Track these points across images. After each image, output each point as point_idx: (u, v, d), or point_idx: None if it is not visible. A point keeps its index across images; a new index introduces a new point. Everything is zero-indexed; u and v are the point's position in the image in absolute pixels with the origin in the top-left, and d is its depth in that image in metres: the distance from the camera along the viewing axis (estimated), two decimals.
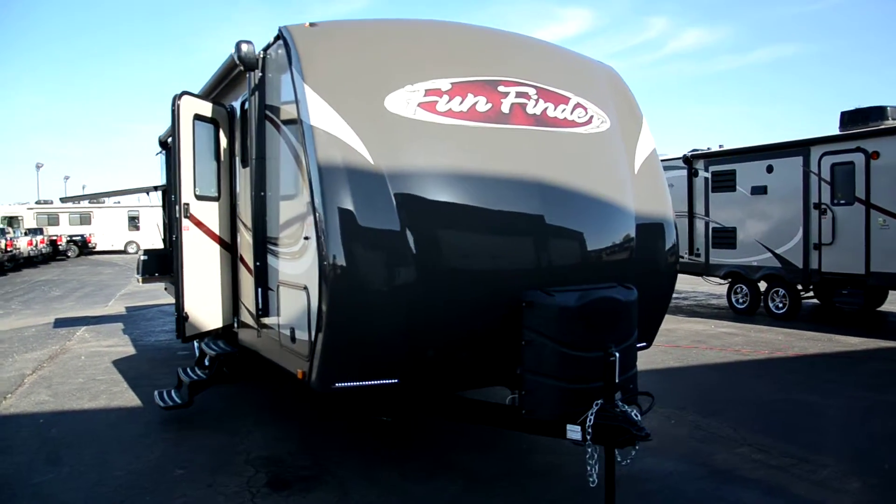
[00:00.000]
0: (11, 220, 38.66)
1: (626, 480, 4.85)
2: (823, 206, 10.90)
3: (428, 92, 4.56)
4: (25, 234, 33.08)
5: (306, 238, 4.34)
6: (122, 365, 9.18)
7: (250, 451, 5.60)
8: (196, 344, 7.50)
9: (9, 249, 27.11)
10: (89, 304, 16.20)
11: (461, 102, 4.61)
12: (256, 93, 5.20)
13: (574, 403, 4.05)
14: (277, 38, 4.80)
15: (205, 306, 5.77)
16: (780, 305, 11.89)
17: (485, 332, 4.47)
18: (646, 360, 8.76)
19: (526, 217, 4.56)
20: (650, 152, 5.48)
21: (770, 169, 11.82)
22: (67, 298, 17.64)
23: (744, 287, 12.66)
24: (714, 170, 12.99)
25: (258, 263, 5.29)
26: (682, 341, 10.12)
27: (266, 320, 5.30)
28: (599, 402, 4.00)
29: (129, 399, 7.34)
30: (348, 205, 4.14)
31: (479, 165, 4.53)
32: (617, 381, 3.99)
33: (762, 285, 12.35)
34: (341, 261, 4.07)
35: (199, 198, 5.76)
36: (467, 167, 4.50)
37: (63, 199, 35.48)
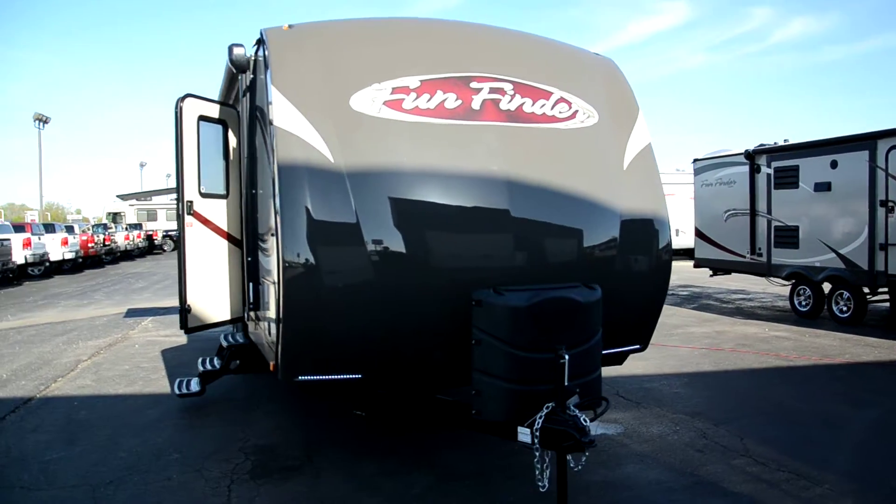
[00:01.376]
0: (116, 216, 41.65)
1: (599, 487, 4.73)
2: (891, 204, 10.06)
3: (395, 90, 4.58)
4: (126, 229, 35.56)
5: (272, 234, 4.48)
6: (169, 354, 9.72)
7: (248, 440, 5.81)
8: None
9: (107, 244, 29.20)
10: (165, 296, 17.21)
11: (429, 100, 4.60)
12: (248, 94, 5.39)
13: (524, 405, 3.96)
14: (259, 41, 4.96)
15: (208, 299, 6.04)
16: (845, 309, 11.08)
17: (450, 331, 4.44)
18: (679, 362, 8.46)
19: (489, 215, 4.49)
20: (643, 147, 5.26)
21: (834, 164, 11.02)
22: (147, 290, 18.83)
23: (806, 289, 11.88)
24: (776, 166, 12.25)
25: (249, 259, 5.48)
26: (728, 344, 9.64)
27: (258, 314, 5.51)
28: (550, 405, 3.90)
29: (162, 386, 7.78)
30: (304, 202, 4.22)
31: (441, 162, 4.51)
32: (566, 384, 3.87)
33: (826, 287, 11.54)
34: (294, 256, 4.17)
35: (204, 195, 6.02)
36: (429, 164, 4.49)
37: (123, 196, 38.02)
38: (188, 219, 5.85)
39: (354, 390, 4.86)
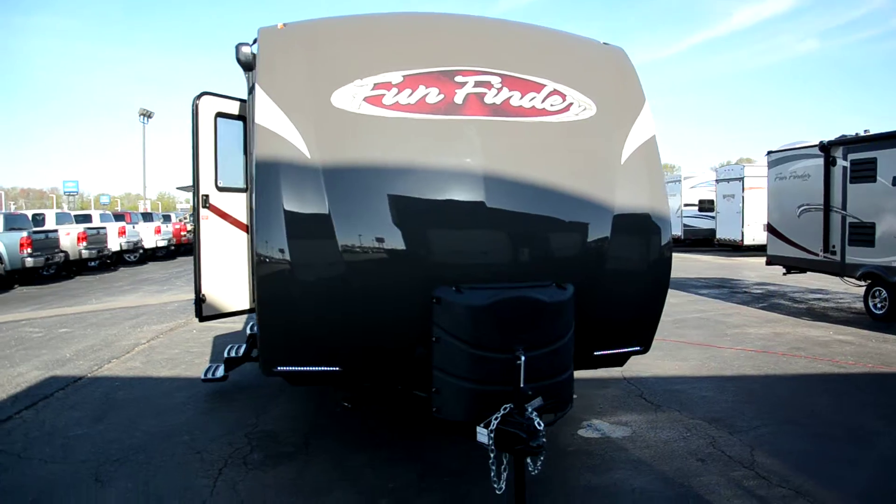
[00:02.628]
0: None
1: (578, 492, 4.59)
2: None
3: (377, 86, 4.59)
4: None
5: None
6: (219, 340, 10.20)
7: (258, 426, 6.03)
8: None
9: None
10: None
11: (410, 95, 4.58)
12: (250, 92, 5.56)
13: (482, 405, 3.91)
14: (255, 40, 5.10)
15: (225, 289, 6.28)
16: None
17: (428, 328, 4.43)
18: (720, 364, 8.07)
19: (463, 210, 4.43)
20: (645, 141, 5.02)
21: None
22: None
23: (882, 290, 10.95)
24: (853, 158, 11.35)
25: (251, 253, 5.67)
26: (781, 347, 9.05)
27: None
28: (508, 406, 3.83)
29: (200, 371, 8.16)
30: (278, 196, 4.32)
31: (416, 158, 4.48)
32: (523, 385, 3.78)
33: None
34: (266, 249, 4.28)
35: (222, 189, 6.26)
36: (403, 159, 4.47)
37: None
38: (203, 212, 6.10)
39: (338, 382, 4.93)
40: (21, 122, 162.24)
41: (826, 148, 11.88)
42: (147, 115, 51.33)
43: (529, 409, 3.80)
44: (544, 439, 3.69)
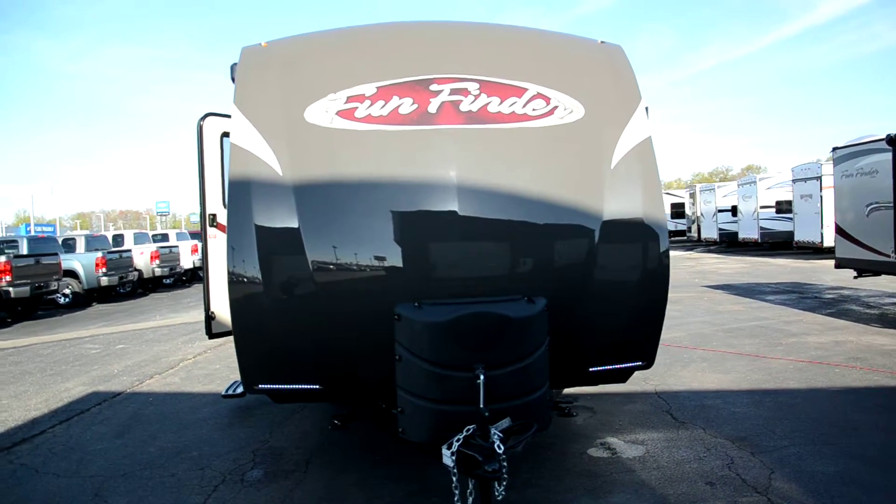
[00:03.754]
0: None
1: None
2: None
3: (350, 99, 4.54)
4: None
5: None
6: None
7: (267, 442, 6.07)
8: None
9: None
10: None
11: (383, 106, 4.50)
12: None
13: (444, 426, 3.74)
14: None
15: None
16: None
17: None
18: (764, 377, 7.57)
19: (435, 224, 4.28)
20: (638, 143, 4.73)
21: None
22: None
23: None
24: None
25: None
26: (838, 357, 8.37)
27: None
28: (471, 427, 3.65)
29: None
30: (249, 214, 4.32)
31: (387, 170, 4.38)
32: (482, 405, 3.60)
33: None
34: (238, 267, 4.28)
35: None
36: (374, 173, 4.38)
37: None
38: (211, 231, 6.22)
39: (321, 400, 4.88)
40: (118, 147, 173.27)
41: (893, 141, 10.97)
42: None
43: (493, 431, 3.61)
44: (503, 464, 3.48)
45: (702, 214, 35.14)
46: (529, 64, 4.82)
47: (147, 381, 8.73)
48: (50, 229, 63.21)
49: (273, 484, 5.06)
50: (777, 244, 27.79)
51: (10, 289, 14.84)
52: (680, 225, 40.41)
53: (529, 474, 5.04)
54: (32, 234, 37.61)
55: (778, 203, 27.85)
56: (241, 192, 4.38)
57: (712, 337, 10.20)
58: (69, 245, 20.91)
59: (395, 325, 3.93)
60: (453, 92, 4.55)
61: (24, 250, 18.35)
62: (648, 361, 4.89)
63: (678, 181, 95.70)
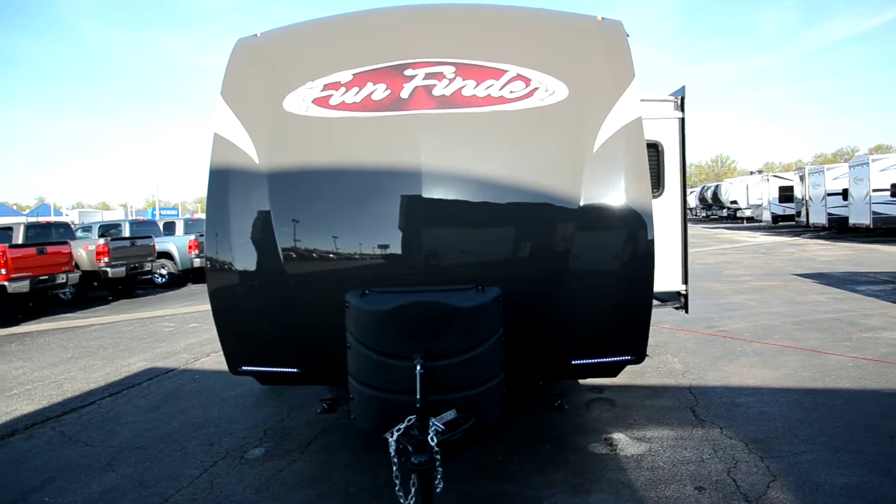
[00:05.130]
0: None
1: None
2: None
3: (326, 87, 4.56)
4: None
5: None
6: None
7: (282, 422, 6.28)
8: None
9: None
10: None
11: (357, 93, 4.49)
12: None
13: (389, 415, 3.72)
14: None
15: None
16: None
17: None
18: (815, 374, 7.05)
19: (398, 211, 4.24)
20: (625, 124, 4.45)
21: None
22: None
23: None
24: None
25: None
26: None
27: None
28: (412, 418, 3.61)
29: None
30: (225, 202, 4.46)
31: (355, 157, 4.38)
32: (419, 395, 3.55)
33: None
34: (213, 252, 4.45)
35: None
36: (343, 160, 4.39)
37: None
38: None
39: (303, 383, 4.97)
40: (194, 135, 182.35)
41: None
42: None
43: (434, 423, 3.55)
44: (436, 456, 3.42)
45: (810, 198, 32.67)
46: (512, 45, 4.65)
47: (202, 360, 9.24)
48: (173, 212, 68.06)
49: (268, 462, 5.24)
50: (891, 230, 25.38)
51: (108, 269, 16.12)
52: (788, 209, 37.78)
53: (517, 467, 4.93)
54: (158, 217, 40.37)
55: (893, 186, 25.38)
56: (219, 181, 4.52)
57: (777, 329, 9.51)
58: (170, 228, 22.40)
59: (346, 313, 3.94)
60: (428, 76, 4.47)
61: (126, 233, 19.85)
62: (638, 356, 4.64)
63: (798, 162, 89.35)
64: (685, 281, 7.35)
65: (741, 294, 12.98)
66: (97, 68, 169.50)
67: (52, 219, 25.58)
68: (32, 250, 13.88)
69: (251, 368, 4.75)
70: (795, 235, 31.09)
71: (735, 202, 43.83)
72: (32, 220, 26.06)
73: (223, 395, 7.29)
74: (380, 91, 4.46)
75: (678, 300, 7.62)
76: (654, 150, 7.19)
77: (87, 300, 16.71)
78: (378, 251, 4.28)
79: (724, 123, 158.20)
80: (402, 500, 3.67)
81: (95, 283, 16.61)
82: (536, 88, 4.47)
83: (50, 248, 14.33)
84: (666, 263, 7.26)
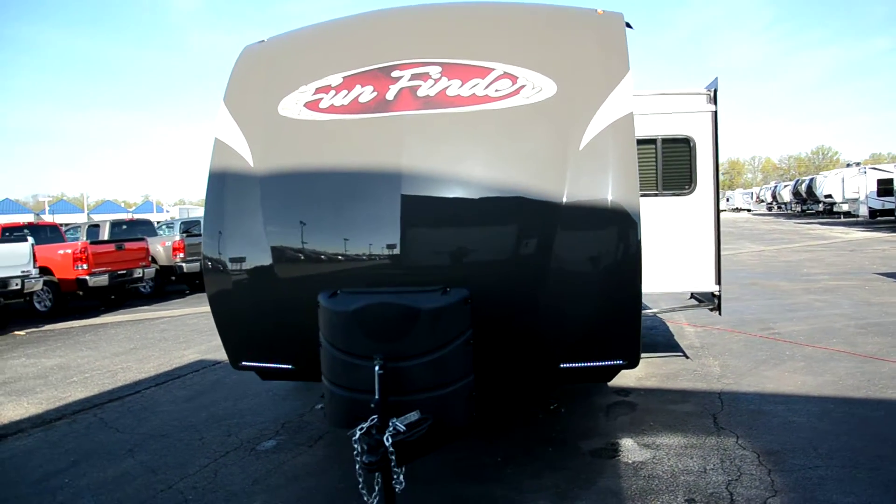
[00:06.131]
0: None
1: None
2: None
3: (318, 90, 4.67)
4: None
5: None
6: None
7: (302, 416, 6.47)
8: None
9: None
10: None
11: (346, 96, 4.57)
12: None
13: (355, 414, 3.77)
14: None
15: None
16: None
17: None
18: (861, 381, 6.64)
19: (376, 213, 4.27)
20: (615, 120, 4.31)
21: None
22: None
23: None
24: None
25: None
26: None
27: None
28: (374, 417, 3.65)
29: None
30: (221, 203, 4.65)
31: (339, 160, 4.45)
32: (378, 395, 3.58)
33: None
34: (209, 251, 4.65)
35: None
36: (328, 162, 4.47)
37: None
38: None
39: (301, 378, 5.10)
40: None
41: None
42: None
43: (394, 424, 3.58)
44: (388, 456, 3.44)
45: None
46: (500, 43, 4.59)
47: None
48: None
49: (275, 455, 5.42)
50: None
51: (183, 264, 17.02)
52: (888, 203, 35.14)
53: (513, 469, 4.88)
54: None
55: None
56: (217, 184, 4.72)
57: (837, 332, 8.90)
58: None
59: (318, 313, 4.02)
60: (414, 77, 4.49)
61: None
62: (630, 361, 4.48)
63: None
64: (718, 281, 7.03)
65: (810, 294, 12.23)
66: (200, 73, 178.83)
67: (135, 216, 27.14)
68: (112, 246, 14.86)
69: (250, 364, 4.92)
70: (893, 231, 28.92)
71: (829, 196, 41.17)
72: (116, 217, 27.57)
73: (257, 388, 7.56)
74: (367, 93, 4.52)
75: (712, 301, 7.31)
76: (686, 145, 6.93)
77: (165, 294, 17.72)
78: (358, 252, 4.34)
79: (828, 113, 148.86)
80: (365, 499, 3.72)
81: (173, 278, 17.56)
82: (523, 86, 4.40)
83: (128, 245, 15.30)
84: (697, 263, 6.99)
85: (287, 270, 4.46)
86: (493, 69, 4.45)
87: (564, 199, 4.17)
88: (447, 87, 4.43)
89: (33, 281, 12.33)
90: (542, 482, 4.64)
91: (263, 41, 5.33)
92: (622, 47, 4.57)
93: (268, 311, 4.57)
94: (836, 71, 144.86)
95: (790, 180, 61.07)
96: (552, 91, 4.38)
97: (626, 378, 7.22)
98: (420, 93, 4.44)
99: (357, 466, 3.69)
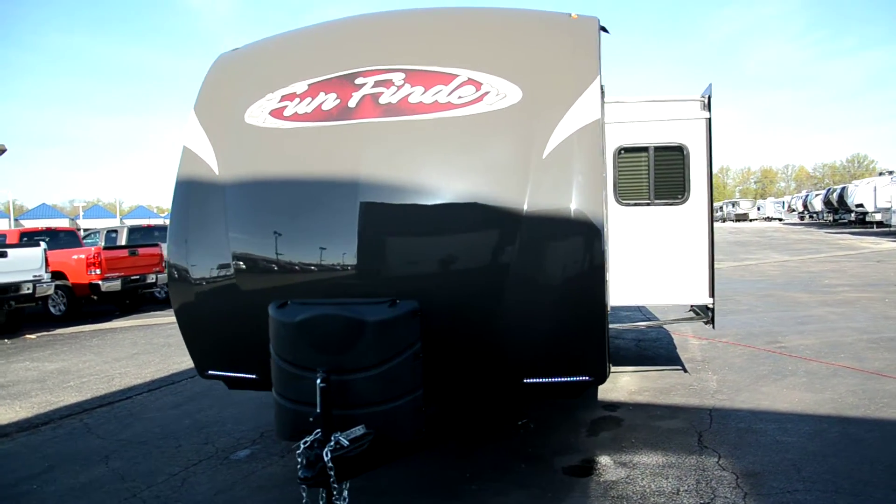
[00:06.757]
0: None
1: None
2: None
3: (283, 98, 4.62)
4: None
5: None
6: None
7: None
8: None
9: None
10: None
11: (310, 103, 4.52)
12: None
13: (302, 426, 3.69)
14: None
15: None
16: None
17: None
18: (860, 402, 6.43)
19: (337, 222, 4.19)
20: (581, 127, 4.18)
21: None
22: None
23: None
24: None
25: None
26: None
27: None
28: (318, 431, 3.57)
29: None
30: (185, 211, 4.64)
31: (298, 168, 4.39)
32: (319, 408, 3.50)
33: None
34: (173, 258, 4.63)
35: None
36: (288, 170, 4.42)
37: None
38: None
39: (262, 388, 5.03)
40: None
41: None
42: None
43: (338, 438, 3.49)
44: (327, 472, 3.36)
45: None
46: (467, 49, 4.51)
47: None
48: None
49: (246, 465, 5.37)
50: None
51: None
52: None
53: (478, 486, 4.74)
54: None
55: None
56: (182, 192, 4.70)
57: (846, 347, 8.58)
58: None
59: (268, 323, 3.96)
60: (377, 84, 4.42)
61: None
62: (597, 377, 4.33)
63: None
64: (712, 294, 6.82)
65: (827, 306, 11.84)
66: None
67: (152, 222, 27.51)
68: (125, 252, 15.06)
69: (216, 373, 4.89)
70: None
71: (861, 205, 40.03)
72: (134, 223, 27.89)
73: (244, 397, 7.51)
74: (330, 101, 4.46)
75: (706, 314, 7.10)
76: (679, 153, 6.77)
77: None
78: (315, 262, 4.27)
79: (864, 120, 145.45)
80: None
81: None
82: (487, 93, 4.30)
83: (142, 250, 15.50)
84: (690, 275, 6.79)
85: (247, 279, 4.41)
86: (458, 75, 4.36)
87: (525, 209, 4.05)
88: (409, 95, 4.34)
89: (45, 285, 12.55)
90: (507, 500, 4.50)
91: (237, 49, 5.32)
92: (592, 52, 4.44)
93: (230, 320, 4.53)
94: (873, 77, 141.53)
95: (823, 189, 59.67)
96: (517, 98, 4.28)
97: (616, 392, 7.05)
98: (382, 100, 4.36)
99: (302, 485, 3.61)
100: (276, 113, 4.58)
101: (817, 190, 61.89)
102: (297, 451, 3.57)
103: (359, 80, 4.45)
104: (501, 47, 4.52)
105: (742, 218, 68.41)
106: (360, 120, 4.35)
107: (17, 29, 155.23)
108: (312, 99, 4.50)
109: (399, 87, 4.37)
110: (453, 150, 4.25)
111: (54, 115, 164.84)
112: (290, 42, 5.14)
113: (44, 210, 77.88)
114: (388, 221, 4.17)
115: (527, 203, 4.06)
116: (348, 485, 3.65)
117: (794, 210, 61.88)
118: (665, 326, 10.40)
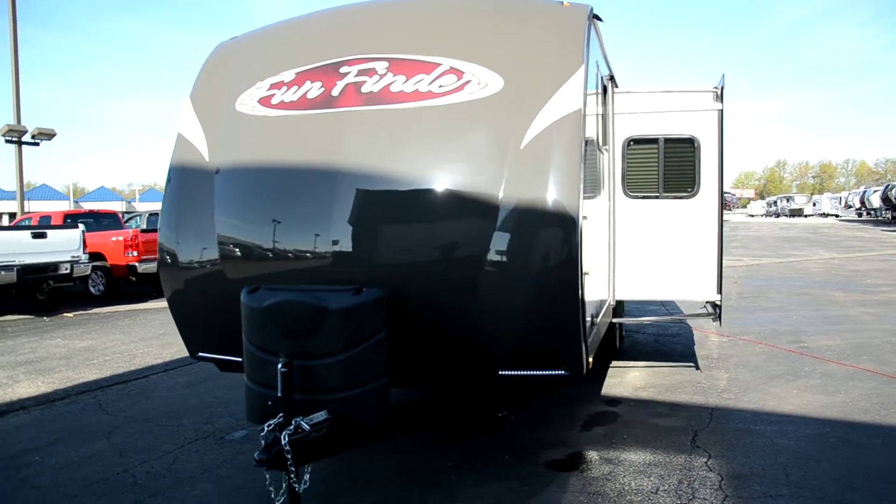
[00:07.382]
0: None
1: None
2: None
3: (272, 86, 4.68)
4: None
5: None
6: None
7: None
8: None
9: None
10: None
11: (296, 92, 4.56)
12: None
13: (268, 410, 3.75)
14: None
15: None
16: None
17: None
18: (871, 405, 6.22)
19: (318, 210, 4.22)
20: (561, 117, 4.10)
21: None
22: None
23: None
24: None
25: None
26: None
27: None
28: (281, 415, 3.63)
29: None
30: (177, 196, 4.76)
31: (282, 155, 4.45)
32: (280, 393, 3.55)
33: None
34: (165, 242, 4.76)
35: None
36: (275, 158, 4.48)
37: None
38: None
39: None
40: None
41: None
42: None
43: (298, 422, 3.54)
44: (284, 455, 3.41)
45: None
46: (450, 37, 4.48)
47: None
48: None
49: (239, 445, 5.50)
50: None
51: None
52: None
53: (458, 476, 4.75)
54: None
55: None
56: (174, 178, 4.82)
57: (872, 349, 8.25)
58: None
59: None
60: (360, 73, 4.43)
61: None
62: (573, 371, 4.27)
63: None
64: (719, 290, 6.65)
65: (862, 307, 11.40)
66: None
67: None
68: None
69: (206, 355, 5.00)
70: None
71: None
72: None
73: None
74: (315, 89, 4.49)
75: (714, 311, 6.93)
76: (690, 145, 6.61)
77: None
78: (293, 248, 4.33)
79: None
80: (273, 496, 3.71)
81: None
82: (468, 82, 4.26)
83: None
84: (698, 271, 6.65)
85: (230, 263, 4.50)
86: (440, 64, 4.33)
87: (500, 200, 4.01)
88: (391, 83, 4.34)
89: (83, 266, 13.04)
90: (482, 491, 4.50)
91: (235, 38, 5.40)
92: (579, 41, 4.35)
93: (216, 303, 4.63)
94: None
95: (883, 185, 57.11)
96: (498, 87, 4.22)
97: (621, 387, 6.95)
98: (364, 89, 4.37)
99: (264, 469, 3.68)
100: (265, 101, 4.64)
101: (876, 186, 59.31)
102: (261, 434, 3.64)
103: (343, 69, 4.47)
104: (486, 36, 4.47)
105: (796, 213, 66.12)
106: (342, 108, 4.37)
107: (78, 17, 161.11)
108: (299, 87, 4.54)
109: (381, 76, 4.37)
110: (432, 139, 4.24)
111: (118, 102, 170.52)
112: (282, 31, 5.19)
113: (102, 193, 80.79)
114: (364, 210, 4.19)
115: (502, 193, 4.02)
116: (309, 469, 3.70)
117: (850, 206, 59.44)
118: (688, 321, 10.19)
